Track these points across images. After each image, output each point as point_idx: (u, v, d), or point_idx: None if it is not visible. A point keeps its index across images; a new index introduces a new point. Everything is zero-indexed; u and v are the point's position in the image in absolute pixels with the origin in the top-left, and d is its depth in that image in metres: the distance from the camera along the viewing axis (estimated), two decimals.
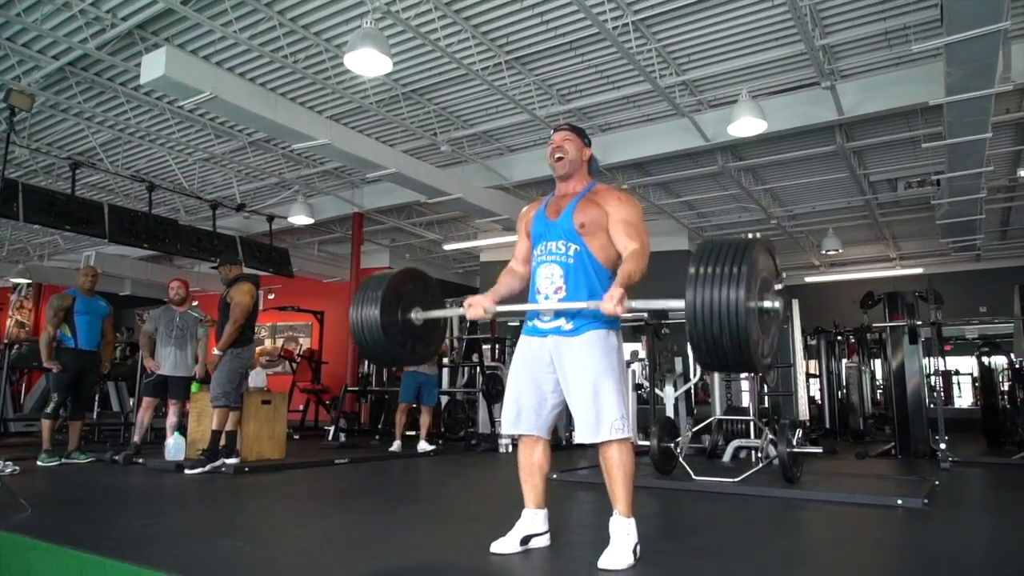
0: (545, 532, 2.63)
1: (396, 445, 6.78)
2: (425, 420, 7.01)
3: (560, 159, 2.65)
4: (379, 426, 8.91)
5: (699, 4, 5.81)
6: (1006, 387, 8.43)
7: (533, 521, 2.61)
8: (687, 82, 7.10)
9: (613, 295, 2.29)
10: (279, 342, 14.16)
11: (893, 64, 6.72)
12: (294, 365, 11.98)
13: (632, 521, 2.43)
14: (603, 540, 2.42)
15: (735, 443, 6.21)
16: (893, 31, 6.19)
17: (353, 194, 10.51)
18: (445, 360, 8.93)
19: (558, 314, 2.54)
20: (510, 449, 7.46)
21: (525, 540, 2.57)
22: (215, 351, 5.21)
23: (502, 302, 2.74)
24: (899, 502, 3.67)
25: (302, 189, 10.06)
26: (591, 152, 2.75)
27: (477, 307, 2.64)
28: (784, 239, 12.19)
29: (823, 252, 12.05)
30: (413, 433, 7.66)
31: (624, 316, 2.42)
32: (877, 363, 11.16)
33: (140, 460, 5.57)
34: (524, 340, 2.67)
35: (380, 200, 10.38)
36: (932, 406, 6.65)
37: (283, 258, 10.73)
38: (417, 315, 2.83)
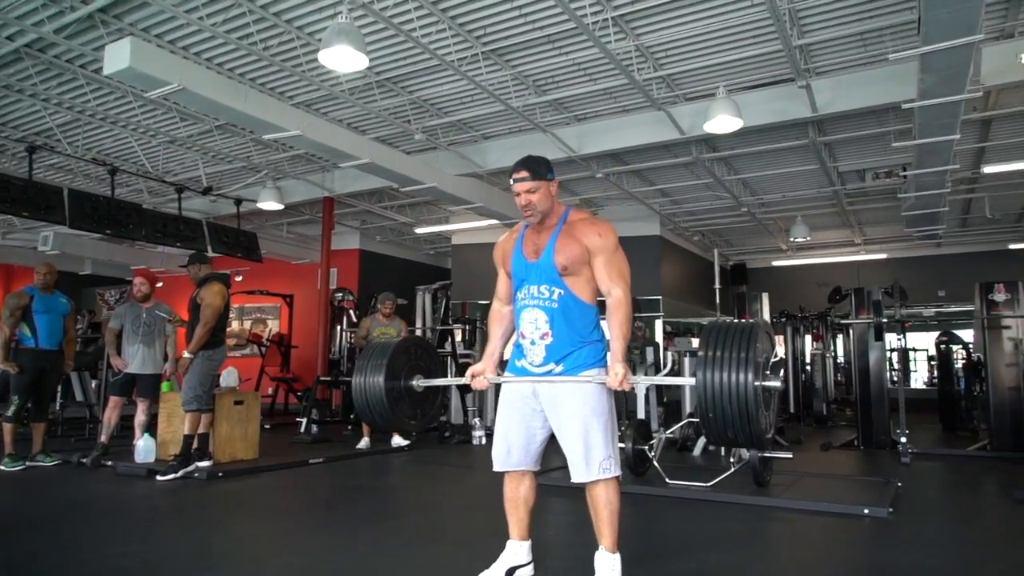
0: (529, 563, 2.66)
1: (364, 442, 6.74)
2: None
3: (531, 214, 2.54)
4: (352, 415, 8.87)
5: (678, 2, 5.76)
6: (962, 375, 8.71)
7: (517, 553, 2.64)
8: (665, 77, 7.07)
9: (617, 372, 2.32)
10: (247, 324, 13.96)
11: (866, 64, 6.78)
12: (263, 349, 11.86)
13: (617, 556, 2.48)
14: (585, 564, 2.45)
15: (705, 437, 6.34)
16: (869, 32, 6.23)
17: (324, 178, 10.32)
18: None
19: (547, 359, 2.52)
20: (483, 441, 7.52)
21: (510, 572, 2.60)
22: (185, 354, 5.11)
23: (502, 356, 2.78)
24: (866, 511, 3.79)
25: (271, 173, 9.83)
26: (557, 184, 2.65)
27: (481, 380, 2.67)
28: (753, 225, 12.34)
29: (791, 239, 12.23)
30: None
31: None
32: (840, 348, 11.45)
33: (109, 462, 5.47)
34: (512, 379, 2.65)
35: (351, 185, 10.21)
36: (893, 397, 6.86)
37: (251, 242, 10.52)
38: (419, 383, 2.89)
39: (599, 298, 2.56)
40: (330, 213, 10.69)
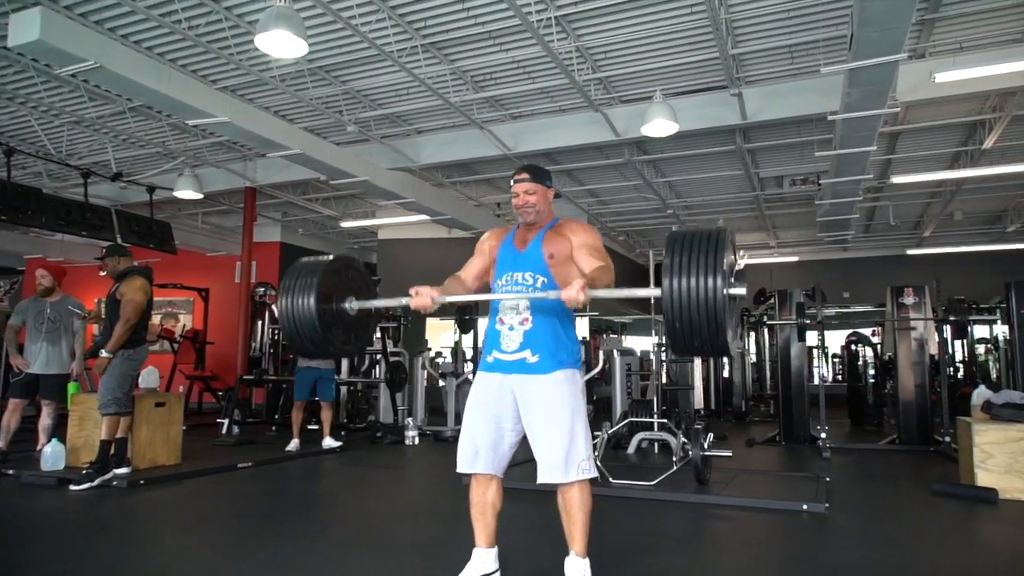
0: (496, 571, 2.60)
1: (294, 444, 6.47)
2: (326, 416, 6.74)
3: (527, 213, 2.59)
4: (276, 416, 8.52)
5: (622, 5, 5.81)
6: (871, 375, 9.26)
7: (485, 561, 2.57)
8: (602, 79, 7.14)
9: (576, 283, 2.24)
10: (156, 319, 13.18)
11: (793, 76, 7.07)
12: (175, 345, 11.23)
13: (587, 561, 2.46)
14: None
15: (640, 436, 6.46)
16: (797, 46, 6.49)
17: (245, 167, 9.85)
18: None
19: (523, 345, 2.48)
20: (416, 441, 7.38)
21: None
22: (104, 353, 4.74)
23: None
24: (804, 507, 3.94)
25: (189, 160, 9.30)
26: (554, 192, 2.73)
27: (425, 296, 2.47)
28: (677, 226, 12.67)
29: None
30: (315, 427, 7.38)
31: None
32: (754, 346, 11.94)
33: (10, 471, 5.02)
34: (481, 377, 2.59)
35: (275, 175, 9.80)
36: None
37: (165, 233, 9.93)
38: (351, 305, 2.70)
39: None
40: (252, 204, 10.24)
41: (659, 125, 6.69)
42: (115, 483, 4.65)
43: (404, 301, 2.52)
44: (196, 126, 7.75)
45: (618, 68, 6.93)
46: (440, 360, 10.93)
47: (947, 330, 6.93)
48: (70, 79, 7.10)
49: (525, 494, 3.95)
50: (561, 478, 2.40)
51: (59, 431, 5.35)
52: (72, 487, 4.51)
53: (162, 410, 5.30)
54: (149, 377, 5.45)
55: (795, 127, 8.38)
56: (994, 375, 10.13)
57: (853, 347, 9.60)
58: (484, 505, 2.57)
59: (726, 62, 6.32)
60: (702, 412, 8.04)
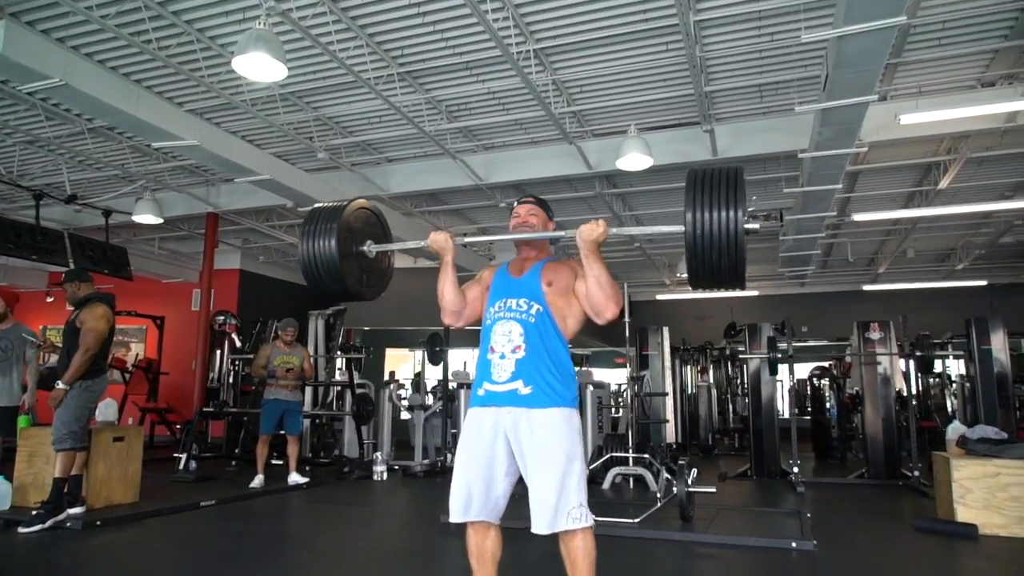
0: None
1: (258, 481, 6.19)
2: (293, 450, 6.47)
3: (525, 223, 2.63)
4: (236, 450, 8.18)
5: (600, 40, 5.88)
6: (831, 408, 9.41)
7: None
8: (576, 112, 7.20)
9: (595, 222, 2.29)
10: None
11: (762, 114, 7.25)
12: (126, 376, 10.76)
13: None
14: None
15: (615, 471, 6.38)
16: (767, 85, 6.67)
17: (208, 192, 9.59)
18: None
19: (515, 375, 2.38)
20: (384, 476, 7.15)
21: None
22: (60, 384, 4.46)
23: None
24: (793, 544, 3.91)
25: (149, 184, 9.00)
26: (554, 226, 2.69)
27: (444, 234, 2.58)
28: (643, 260, 12.81)
29: (677, 275, 12.81)
30: (278, 462, 7.10)
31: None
32: (719, 377, 12.06)
33: None
34: (475, 413, 2.48)
35: (239, 201, 9.56)
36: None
37: (120, 258, 9.58)
38: (370, 247, 2.74)
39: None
40: (213, 231, 9.94)
41: (634, 159, 6.76)
42: (69, 524, 4.35)
43: (423, 244, 2.64)
44: (160, 149, 7.56)
45: (592, 102, 7.00)
46: (402, 391, 10.72)
47: (911, 365, 7.07)
48: (26, 97, 6.84)
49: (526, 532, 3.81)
50: (547, 528, 2.28)
51: (6, 468, 5.00)
52: (21, 529, 4.19)
53: (120, 445, 5.01)
54: (107, 410, 5.17)
55: (760, 164, 8.57)
56: (950, 409, 10.40)
57: (816, 381, 9.74)
58: (483, 555, 2.44)
59: (700, 99, 6.43)
60: (674, 446, 8.01)
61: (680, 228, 2.24)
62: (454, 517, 2.40)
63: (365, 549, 4.15)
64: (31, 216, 8.59)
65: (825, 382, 9.73)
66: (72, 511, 4.49)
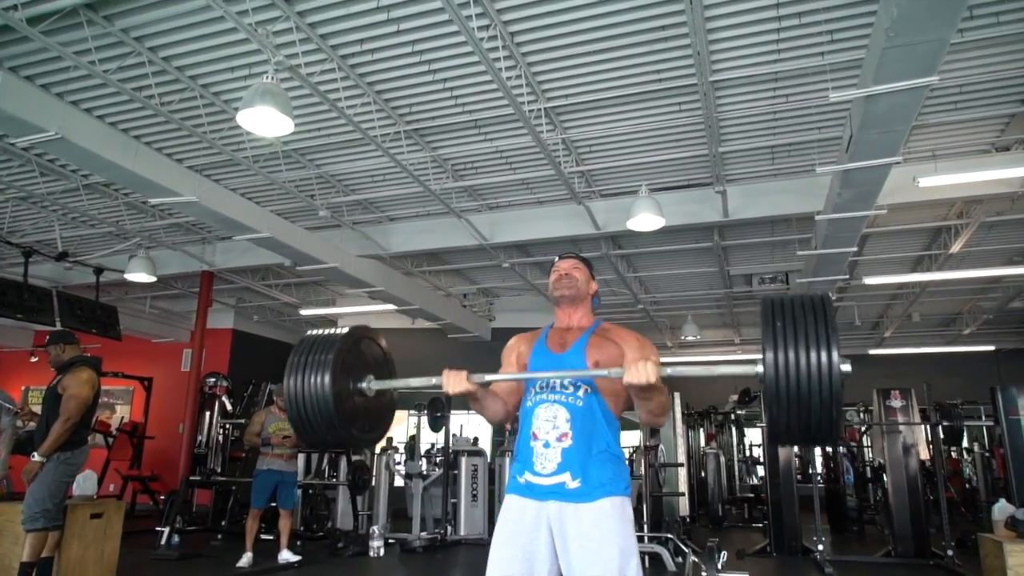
0: None
1: (246, 559, 5.73)
2: (285, 525, 6.01)
3: (567, 286, 2.32)
4: (223, 522, 7.68)
5: (611, 100, 5.79)
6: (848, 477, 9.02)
7: None
8: (584, 172, 7.08)
9: (644, 358, 1.93)
10: None
11: (773, 176, 7.14)
12: (110, 440, 10.27)
13: None
14: None
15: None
16: (779, 147, 6.58)
17: (204, 250, 9.36)
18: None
19: (561, 466, 2.08)
20: (382, 552, 6.68)
21: None
22: (36, 456, 4.09)
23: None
24: None
25: (143, 242, 8.77)
26: (597, 287, 2.44)
27: (459, 376, 2.08)
28: (646, 322, 12.56)
29: (682, 337, 12.56)
30: (268, 536, 6.64)
31: None
32: (722, 442, 11.65)
33: None
34: (513, 501, 2.17)
35: (236, 259, 9.32)
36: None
37: (110, 317, 9.26)
38: (370, 384, 2.28)
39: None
40: (208, 289, 9.67)
41: (645, 219, 6.59)
42: None
43: (434, 381, 2.15)
44: (156, 206, 7.36)
45: (602, 162, 6.89)
46: (396, 455, 10.24)
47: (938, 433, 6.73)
48: (21, 152, 6.67)
49: None
50: None
51: None
52: None
53: (98, 522, 4.59)
54: (86, 483, 4.77)
55: (768, 226, 8.45)
56: (969, 480, 10.01)
57: (832, 450, 9.37)
58: None
59: (713, 160, 6.32)
60: (687, 519, 7.58)
61: (751, 368, 1.85)
62: None
63: None
64: (19, 273, 8.30)
65: (841, 448, 9.34)
66: None
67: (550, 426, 2.13)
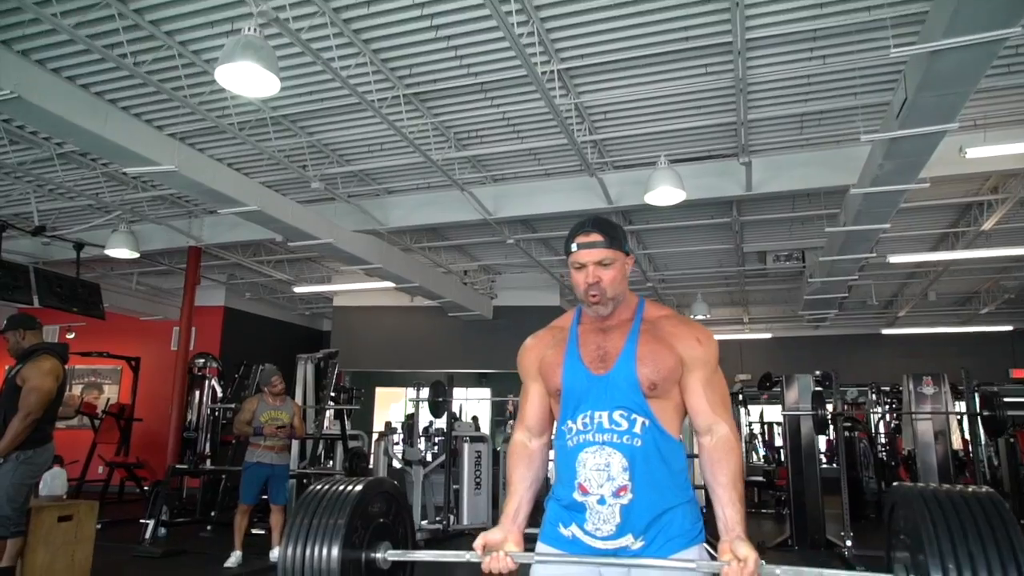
0: None
1: (234, 559, 5.33)
2: (277, 521, 5.57)
3: (599, 299, 1.73)
4: (212, 513, 7.28)
5: (631, 61, 5.27)
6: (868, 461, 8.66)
7: None
8: (597, 141, 6.57)
9: (740, 555, 1.49)
10: (77, 390, 11.71)
11: (800, 147, 6.64)
12: (96, 422, 9.86)
13: None
14: None
15: None
16: (809, 115, 6.07)
17: (190, 224, 8.85)
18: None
19: (622, 528, 1.63)
20: None
21: None
22: None
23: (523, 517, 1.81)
24: None
25: (125, 215, 8.24)
26: (632, 260, 1.85)
27: (502, 559, 1.64)
28: (653, 300, 12.10)
29: (691, 316, 12.13)
30: (260, 531, 6.24)
31: None
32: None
33: None
34: (553, 559, 1.72)
35: (224, 235, 8.82)
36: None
37: (92, 295, 8.80)
38: (385, 555, 1.82)
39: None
40: (195, 266, 9.17)
41: (664, 192, 6.10)
42: None
43: (468, 557, 1.70)
44: (137, 176, 6.85)
45: (617, 130, 6.38)
46: (394, 436, 9.85)
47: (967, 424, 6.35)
48: None
49: None
50: None
51: None
52: None
53: (67, 526, 4.17)
54: (54, 482, 4.34)
55: (789, 201, 7.96)
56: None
57: (848, 433, 9.00)
58: None
59: (739, 128, 5.82)
60: (704, 510, 7.18)
61: None
62: None
63: None
64: None
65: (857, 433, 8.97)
66: None
67: (603, 477, 1.64)
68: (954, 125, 4.39)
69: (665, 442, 1.67)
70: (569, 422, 1.71)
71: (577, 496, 1.67)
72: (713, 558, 1.59)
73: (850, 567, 5.53)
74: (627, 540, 1.62)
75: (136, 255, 8.10)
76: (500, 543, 1.71)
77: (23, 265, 8.10)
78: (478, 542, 1.70)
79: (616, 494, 1.63)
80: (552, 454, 1.86)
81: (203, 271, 10.46)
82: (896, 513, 1.50)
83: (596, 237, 1.72)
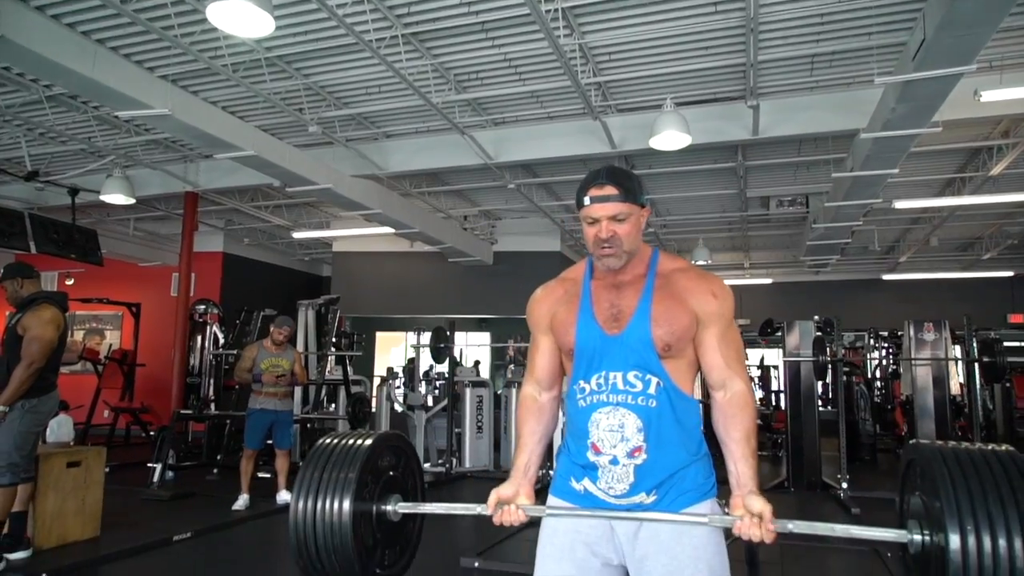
0: None
1: (242, 501, 5.44)
2: (282, 465, 5.69)
3: (612, 253, 1.65)
4: (218, 456, 7.39)
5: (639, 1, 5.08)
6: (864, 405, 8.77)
7: None
8: (601, 84, 6.40)
9: (755, 511, 1.48)
10: (79, 336, 11.75)
11: (809, 89, 6.47)
12: (99, 368, 9.92)
13: None
14: None
15: None
16: (820, 56, 5.89)
17: (186, 169, 8.70)
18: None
19: (635, 486, 1.61)
20: None
21: None
22: None
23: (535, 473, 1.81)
24: None
25: (119, 160, 8.09)
26: (648, 211, 1.76)
27: (514, 511, 1.65)
28: (654, 245, 12.01)
29: (692, 262, 12.07)
30: (266, 475, 6.34)
31: None
32: None
33: None
34: (565, 512, 1.72)
35: (221, 179, 8.69)
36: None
37: (89, 241, 8.72)
38: (396, 507, 1.81)
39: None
40: (192, 211, 9.06)
41: (670, 137, 5.96)
42: (9, 574, 3.58)
43: (479, 510, 1.69)
44: (129, 120, 6.69)
45: (621, 72, 6.19)
46: (395, 381, 9.94)
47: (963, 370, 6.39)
48: None
49: None
50: None
51: None
52: None
53: (76, 471, 4.22)
54: (60, 429, 4.37)
55: (795, 145, 7.82)
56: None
57: (845, 377, 9.08)
58: None
59: (748, 70, 5.65)
60: None
61: (899, 533, 1.46)
62: None
63: None
64: None
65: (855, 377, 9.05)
66: (13, 556, 3.72)
67: (617, 438, 1.61)
68: (972, 67, 4.25)
69: (680, 401, 1.64)
70: (582, 382, 1.68)
71: (590, 456, 1.65)
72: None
73: (845, 509, 5.65)
74: (640, 497, 1.61)
75: (132, 201, 7.98)
76: (512, 498, 1.71)
77: (18, 211, 8.00)
78: (491, 499, 1.70)
79: (630, 455, 1.60)
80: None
81: (201, 217, 10.34)
82: (912, 470, 1.48)
83: (610, 190, 1.63)
